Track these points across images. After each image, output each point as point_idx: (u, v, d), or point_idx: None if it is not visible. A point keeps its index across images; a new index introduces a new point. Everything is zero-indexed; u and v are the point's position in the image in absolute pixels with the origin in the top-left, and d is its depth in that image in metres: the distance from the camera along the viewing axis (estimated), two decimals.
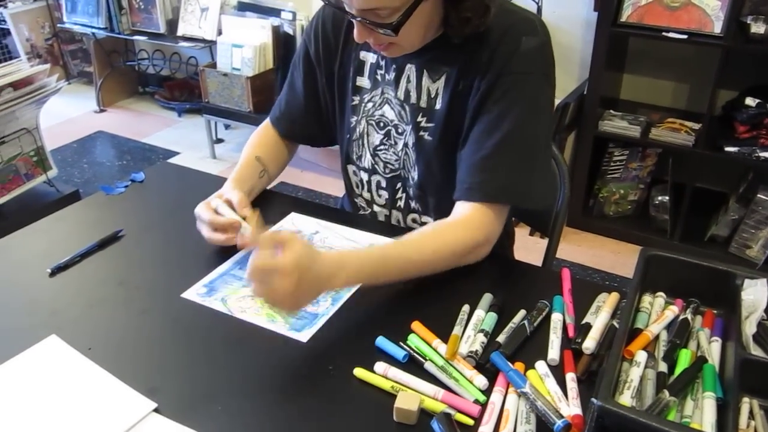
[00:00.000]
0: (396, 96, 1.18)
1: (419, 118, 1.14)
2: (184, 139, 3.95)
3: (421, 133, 1.14)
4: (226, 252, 1.12)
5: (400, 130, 1.19)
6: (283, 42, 3.41)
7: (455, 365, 0.86)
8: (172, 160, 3.66)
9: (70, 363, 0.88)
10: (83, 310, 1.00)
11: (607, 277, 2.63)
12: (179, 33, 3.82)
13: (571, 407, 0.79)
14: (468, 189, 1.05)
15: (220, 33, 3.53)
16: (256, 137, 1.35)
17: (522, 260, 1.21)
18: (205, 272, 1.08)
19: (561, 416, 0.76)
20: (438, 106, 1.12)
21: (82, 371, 0.87)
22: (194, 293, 1.01)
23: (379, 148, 1.24)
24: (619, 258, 2.74)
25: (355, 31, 1.05)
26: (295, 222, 1.19)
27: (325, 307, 0.97)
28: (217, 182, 1.38)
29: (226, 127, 4.00)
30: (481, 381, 0.84)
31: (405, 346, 0.88)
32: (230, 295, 1.00)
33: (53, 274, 1.09)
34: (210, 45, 3.68)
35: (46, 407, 0.81)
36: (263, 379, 0.85)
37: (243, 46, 3.32)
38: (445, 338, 0.89)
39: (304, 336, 0.92)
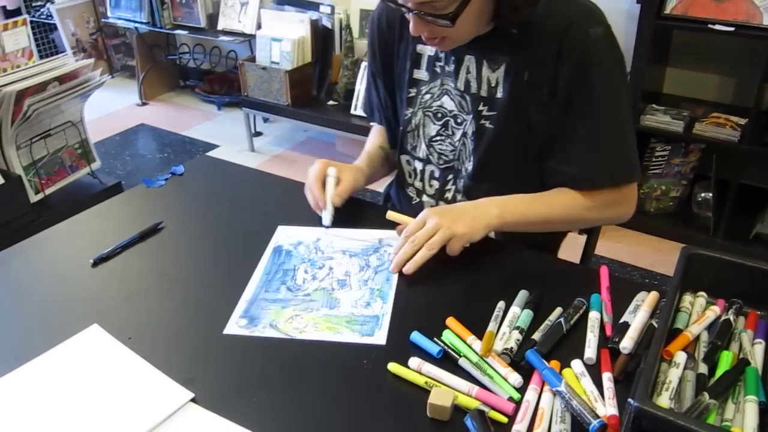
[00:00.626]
0: (456, 87, 1.19)
1: (480, 107, 1.16)
2: (223, 132, 3.99)
3: (483, 121, 1.16)
4: (260, 247, 1.12)
5: (459, 120, 1.21)
6: (321, 36, 3.42)
7: (490, 362, 0.85)
8: (212, 153, 3.70)
9: (111, 352, 0.90)
10: (124, 301, 1.02)
11: (647, 275, 2.58)
12: (219, 27, 3.86)
13: (607, 407, 0.78)
14: (592, 174, 1.12)
15: (259, 27, 3.55)
16: (375, 132, 1.43)
17: (560, 257, 1.20)
18: (245, 265, 1.09)
19: (597, 416, 0.75)
20: (499, 95, 1.14)
21: (123, 360, 0.88)
22: (236, 327, 0.94)
23: (435, 139, 1.25)
24: (659, 256, 2.69)
25: (411, 24, 1.07)
26: (289, 234, 1.18)
27: (380, 308, 0.96)
28: (255, 175, 1.40)
29: (265, 120, 4.03)
30: (516, 378, 0.83)
31: (439, 342, 0.87)
32: (277, 319, 0.96)
33: (95, 264, 1.11)
34: (249, 39, 3.72)
35: (87, 395, 0.83)
36: (297, 373, 0.85)
37: (282, 40, 3.34)
38: (480, 335, 0.88)
39: (379, 339, 0.91)
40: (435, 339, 0.87)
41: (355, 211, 1.24)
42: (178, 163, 1.46)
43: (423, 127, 1.26)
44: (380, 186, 1.51)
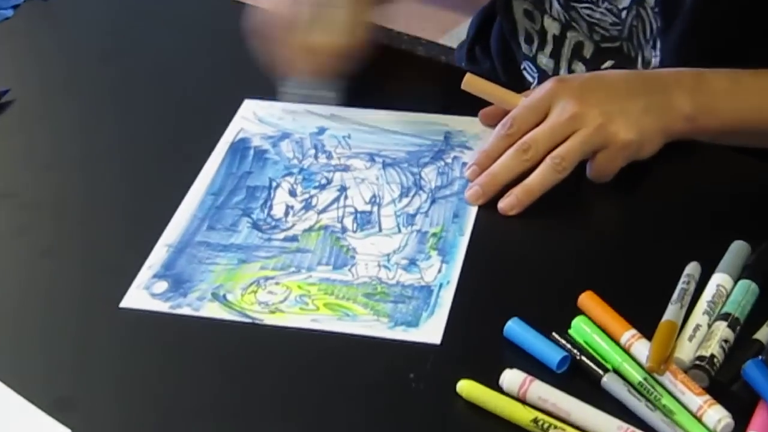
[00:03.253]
0: None
1: None
2: None
3: None
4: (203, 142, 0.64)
5: None
6: None
7: (667, 383, 0.53)
8: None
9: None
10: None
11: None
12: None
13: None
14: None
15: None
16: None
17: None
18: (169, 178, 0.62)
19: None
20: None
21: None
22: (145, 296, 0.52)
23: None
24: None
25: None
26: (264, 116, 0.67)
27: (439, 272, 0.54)
28: None
29: None
30: (720, 417, 0.51)
31: (562, 340, 0.53)
32: (228, 284, 0.53)
33: None
34: None
35: None
36: (266, 396, 0.49)
37: None
38: (647, 329, 0.52)
39: (430, 333, 0.50)
40: (555, 335, 0.53)
41: (397, 72, 0.73)
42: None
43: None
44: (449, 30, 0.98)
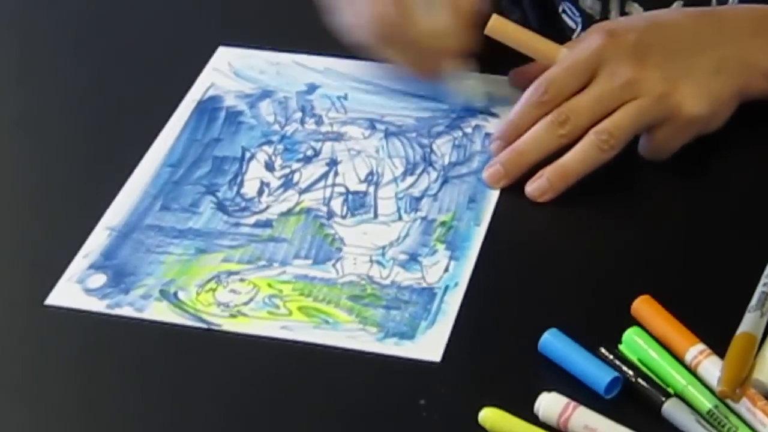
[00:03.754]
0: None
1: None
2: None
3: None
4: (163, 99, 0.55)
5: None
6: None
7: (744, 411, 0.47)
8: None
9: None
10: None
11: None
12: None
13: None
14: None
15: None
16: None
17: None
18: (117, 144, 0.53)
19: None
20: None
21: None
22: (77, 291, 0.44)
23: None
24: None
25: None
26: (240, 68, 0.58)
27: (445, 271, 0.46)
28: None
29: None
30: None
31: (612, 357, 0.46)
32: (182, 279, 0.45)
33: None
34: None
35: None
36: (241, 414, 0.40)
37: None
38: (718, 341, 0.46)
39: (429, 348, 0.42)
40: (602, 351, 0.46)
41: None
42: None
43: None
44: None
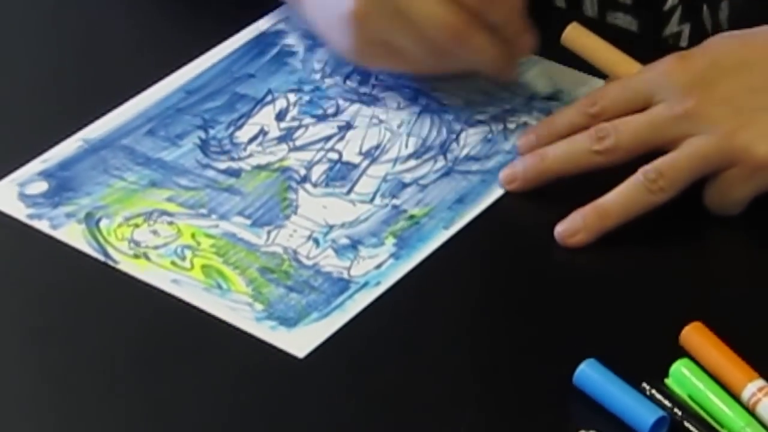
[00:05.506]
0: None
1: None
2: None
3: None
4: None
5: None
6: None
7: None
8: None
9: None
10: None
11: None
12: None
13: None
14: None
15: None
16: None
17: None
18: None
19: None
20: None
21: None
22: (10, 194, 0.41)
23: None
24: None
25: None
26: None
27: (368, 268, 0.38)
28: None
29: None
30: None
31: (657, 394, 0.42)
32: (117, 206, 0.40)
33: None
34: None
35: None
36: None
37: None
38: None
39: (299, 341, 0.36)
40: (646, 386, 0.42)
41: None
42: None
43: None
44: None
